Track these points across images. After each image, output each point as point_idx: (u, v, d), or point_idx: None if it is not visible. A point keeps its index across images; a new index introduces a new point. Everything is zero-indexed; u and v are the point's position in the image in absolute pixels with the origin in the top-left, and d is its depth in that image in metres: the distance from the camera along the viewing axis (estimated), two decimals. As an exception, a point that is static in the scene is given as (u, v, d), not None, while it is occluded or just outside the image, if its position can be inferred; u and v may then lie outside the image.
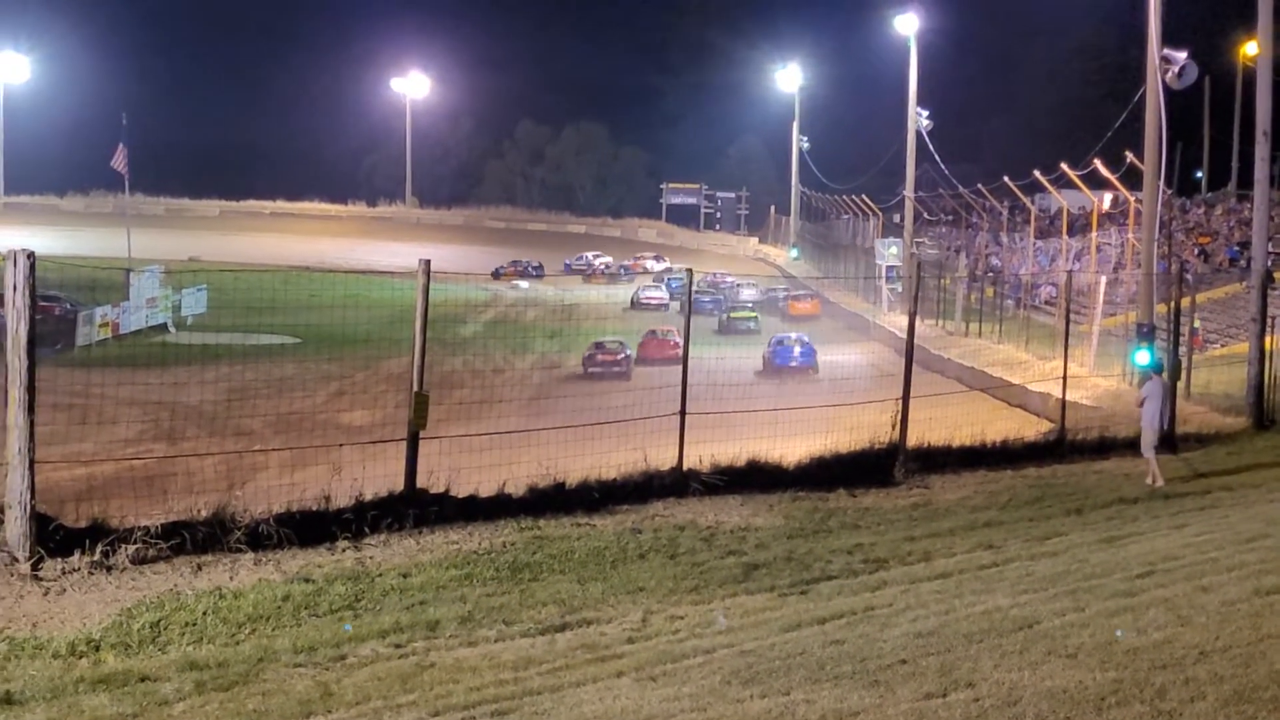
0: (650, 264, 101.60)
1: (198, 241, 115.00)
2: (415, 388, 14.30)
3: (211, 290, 68.94)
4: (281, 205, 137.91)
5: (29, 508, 11.24)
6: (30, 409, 11.26)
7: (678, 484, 16.43)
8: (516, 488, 15.09)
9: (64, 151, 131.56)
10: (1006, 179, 63.19)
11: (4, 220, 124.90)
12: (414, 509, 13.80)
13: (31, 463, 11.24)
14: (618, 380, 41.37)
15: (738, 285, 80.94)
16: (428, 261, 14.73)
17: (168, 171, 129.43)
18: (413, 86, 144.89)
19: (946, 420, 22.12)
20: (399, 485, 14.20)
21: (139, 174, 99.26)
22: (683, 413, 17.48)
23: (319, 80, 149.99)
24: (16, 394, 11.23)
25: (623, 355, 47.25)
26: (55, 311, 54.60)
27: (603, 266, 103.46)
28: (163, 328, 68.32)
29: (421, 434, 14.32)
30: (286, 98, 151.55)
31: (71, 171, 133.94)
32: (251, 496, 13.83)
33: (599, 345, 48.02)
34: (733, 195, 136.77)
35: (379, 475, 14.63)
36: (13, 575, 11.05)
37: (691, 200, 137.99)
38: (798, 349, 48.46)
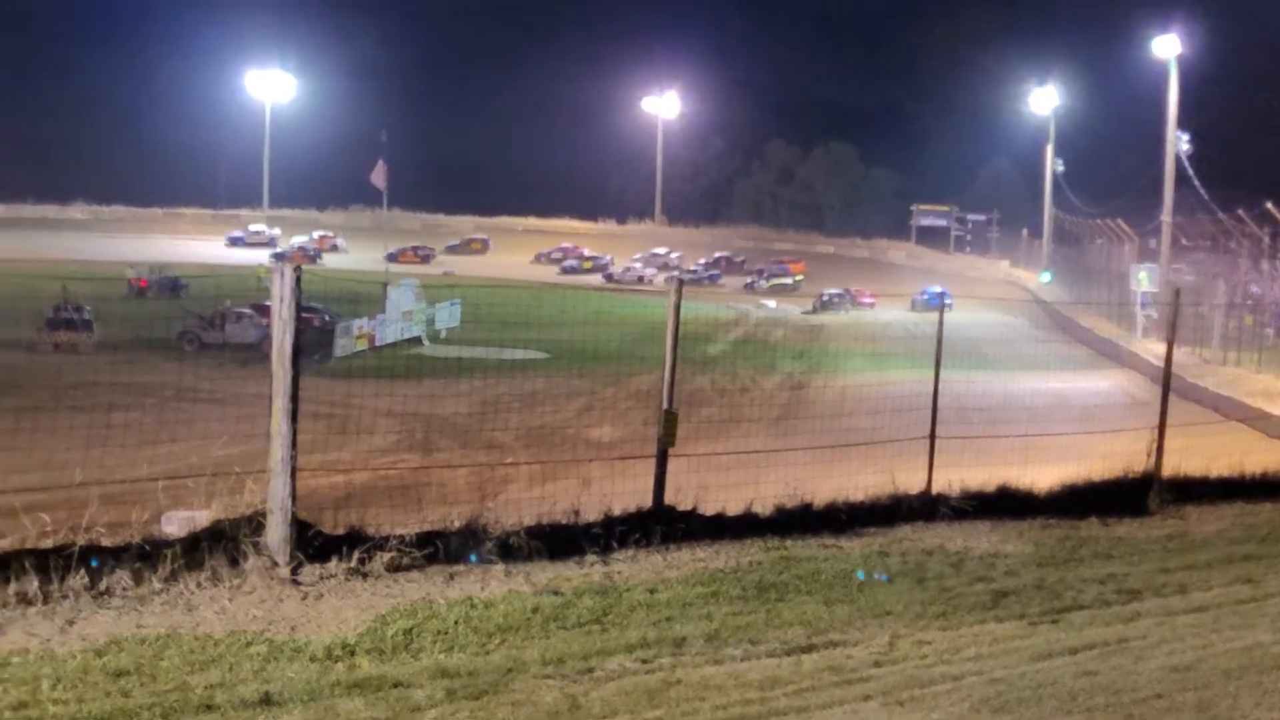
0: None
1: (451, 256, 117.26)
2: (665, 405, 14.37)
3: (465, 304, 70.19)
4: (533, 222, 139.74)
5: (289, 514, 11.54)
6: (293, 418, 11.56)
7: (926, 508, 16.24)
8: (763, 507, 15.05)
9: (325, 167, 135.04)
10: (1270, 205, 61.31)
11: (266, 229, 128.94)
12: (661, 525, 13.85)
13: (292, 470, 11.54)
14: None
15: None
16: (679, 279, 14.82)
17: (424, 187, 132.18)
18: (664, 106, 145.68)
19: (1202, 450, 21.50)
20: (646, 501, 14.25)
21: (396, 189, 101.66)
22: (932, 436, 17.30)
23: (573, 99, 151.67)
24: (280, 403, 11.54)
25: None
26: (315, 323, 56.16)
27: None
28: (417, 340, 69.78)
29: (669, 451, 14.38)
30: (541, 116, 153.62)
31: (332, 186, 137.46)
32: (502, 508, 14.01)
33: None
34: (983, 218, 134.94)
35: (626, 491, 14.71)
36: (273, 579, 11.35)
37: (942, 222, 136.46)
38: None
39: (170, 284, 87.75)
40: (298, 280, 11.63)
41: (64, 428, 28.11)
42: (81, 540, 11.01)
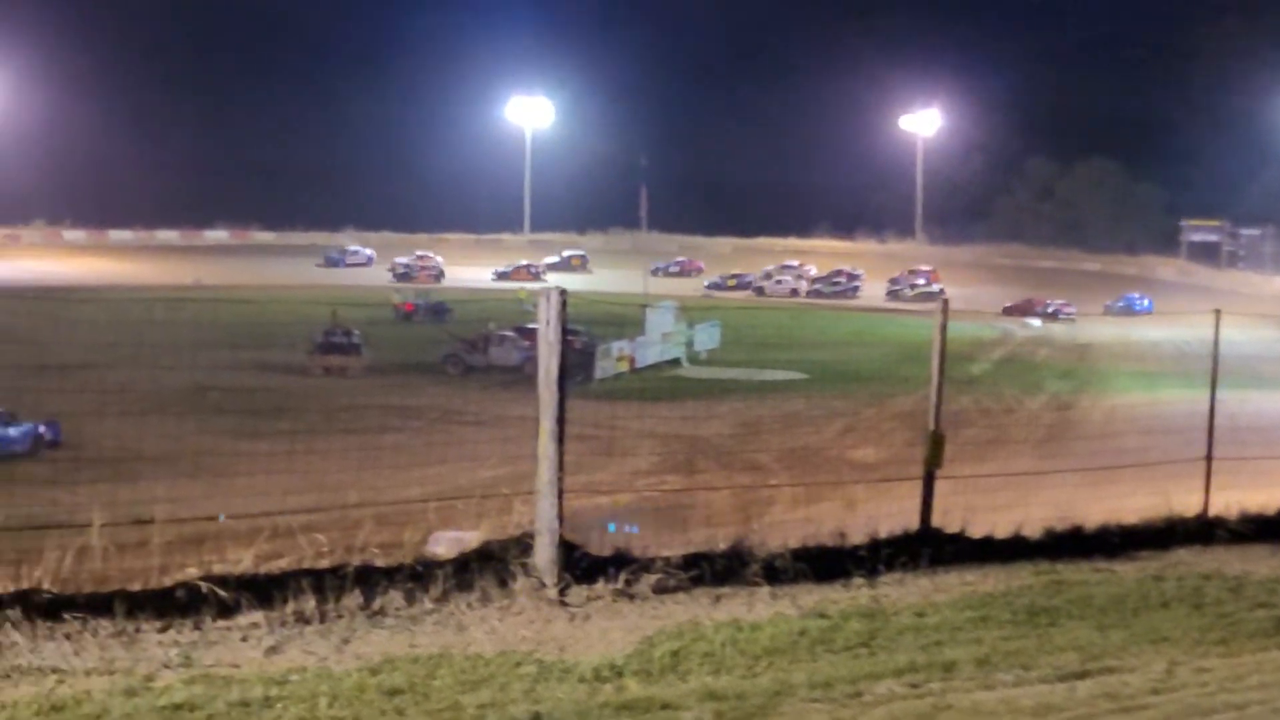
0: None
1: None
2: (931, 426, 14.19)
3: (724, 326, 70.31)
4: (792, 242, 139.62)
5: (557, 535, 11.62)
6: (559, 440, 11.65)
7: (1202, 531, 15.73)
8: (1032, 530, 14.74)
9: (585, 191, 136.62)
10: None
11: (529, 256, 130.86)
12: (928, 548, 13.65)
13: (559, 492, 11.62)
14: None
15: None
16: (945, 299, 14.64)
17: (683, 209, 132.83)
18: (923, 123, 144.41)
19: None
20: (912, 523, 14.07)
21: (655, 212, 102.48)
22: (1209, 457, 16.79)
23: (832, 118, 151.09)
24: (547, 425, 11.64)
25: None
26: (576, 345, 56.77)
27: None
28: (676, 362, 70.07)
29: (935, 473, 14.19)
30: (800, 135, 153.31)
31: (592, 210, 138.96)
32: (766, 530, 13.95)
33: None
34: (1257, 232, 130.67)
35: (890, 513, 14.55)
36: (541, 600, 11.44)
37: (1213, 237, 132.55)
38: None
39: (435, 308, 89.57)
40: (563, 303, 11.73)
41: (335, 449, 28.92)
42: (356, 561, 11.23)
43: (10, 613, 9.79)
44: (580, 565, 11.86)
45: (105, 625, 9.99)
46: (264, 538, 11.43)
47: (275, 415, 45.39)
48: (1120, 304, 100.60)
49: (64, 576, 10.35)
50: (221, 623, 10.36)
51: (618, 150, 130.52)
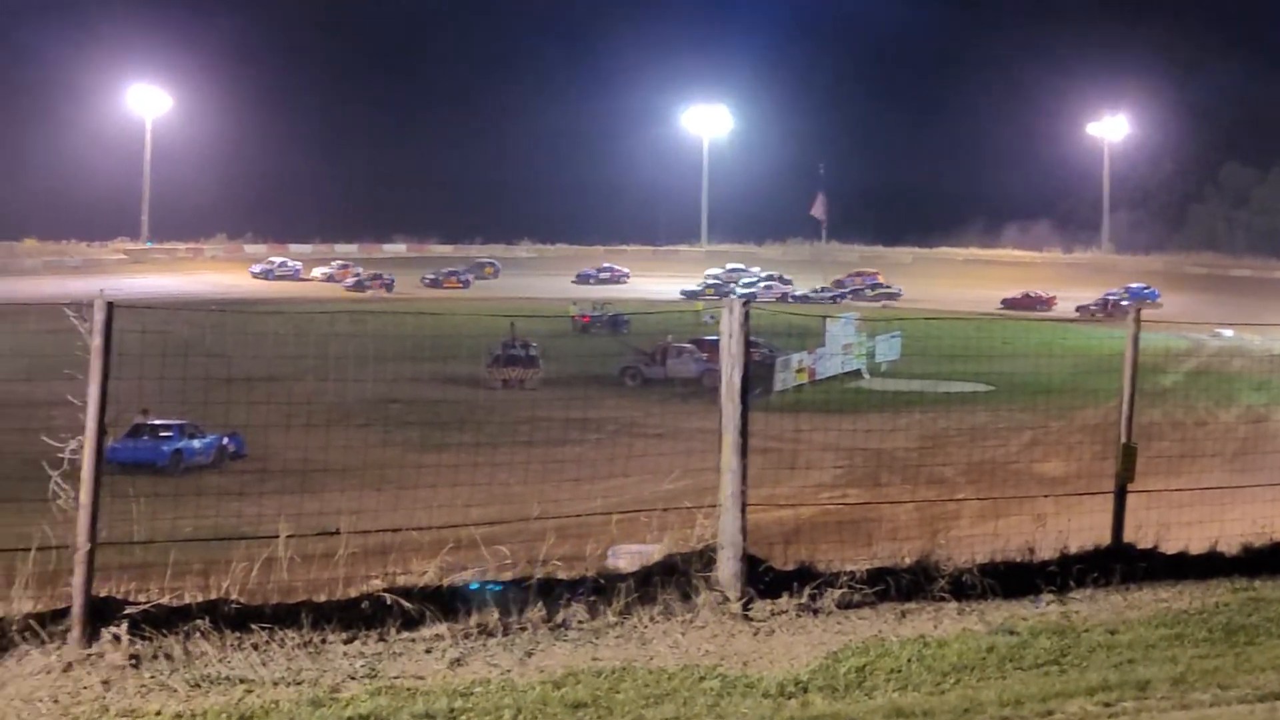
0: None
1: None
2: (1123, 439, 13.85)
3: (905, 337, 69.72)
4: (974, 252, 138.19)
5: (740, 549, 11.52)
6: (742, 453, 11.55)
7: None
8: (1228, 546, 14.32)
9: (763, 200, 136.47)
10: None
11: (707, 266, 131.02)
12: (1120, 564, 13.31)
13: (743, 505, 11.52)
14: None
15: None
16: (1138, 309, 14.30)
17: (863, 219, 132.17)
18: (1111, 129, 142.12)
19: None
20: (1102, 538, 13.74)
21: (835, 221, 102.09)
22: None
23: (1010, 124, 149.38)
24: (729, 438, 11.55)
25: None
26: (755, 357, 56.62)
27: None
28: (857, 374, 69.66)
29: (1128, 487, 13.85)
30: (979, 143, 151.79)
31: (770, 221, 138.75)
32: (951, 544, 13.72)
33: None
34: None
35: (1080, 528, 14.22)
36: (724, 614, 11.34)
37: None
38: None
39: (613, 320, 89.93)
40: (746, 315, 11.64)
41: (514, 462, 29.03)
42: (538, 573, 11.22)
43: (200, 622, 9.92)
44: (764, 579, 11.75)
45: (292, 636, 10.08)
46: (447, 550, 11.46)
47: (455, 427, 45.82)
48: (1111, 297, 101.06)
49: (251, 587, 10.48)
50: (406, 634, 10.41)
51: (796, 159, 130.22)
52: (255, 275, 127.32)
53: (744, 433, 11.54)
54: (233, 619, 10.06)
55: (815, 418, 42.32)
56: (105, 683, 9.34)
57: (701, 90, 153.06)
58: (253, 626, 10.03)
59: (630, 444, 41.34)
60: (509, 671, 10.00)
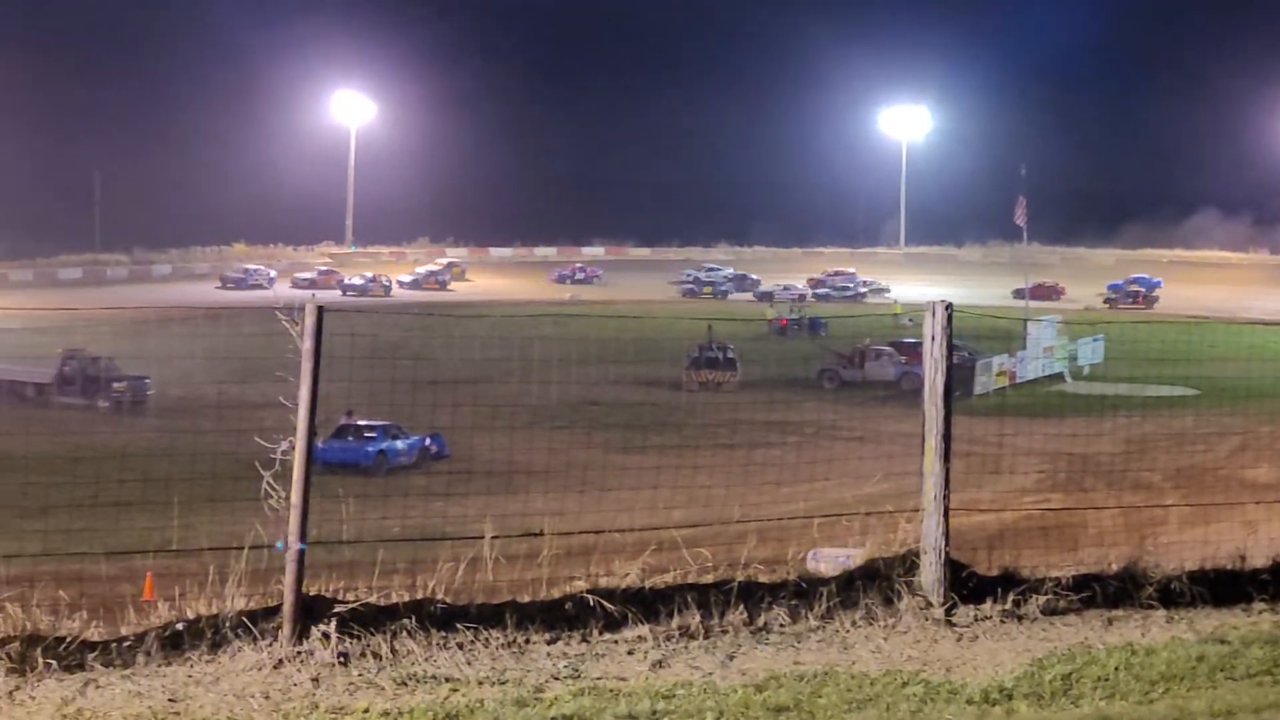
0: None
1: (1084, 290, 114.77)
2: (1339, 444, 13.49)
3: (1107, 340, 68.58)
4: (1179, 254, 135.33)
5: (943, 554, 11.41)
6: (945, 457, 11.45)
7: None
8: None
9: (963, 203, 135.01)
10: None
11: (906, 270, 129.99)
12: (1337, 573, 12.95)
13: (946, 510, 11.41)
14: None
15: None
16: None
17: (1065, 221, 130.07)
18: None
19: None
20: (1314, 546, 13.39)
21: (1036, 224, 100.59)
22: None
23: (1220, 121, 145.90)
24: (932, 442, 11.45)
25: None
26: (954, 360, 56.21)
27: None
28: (1059, 377, 68.67)
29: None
30: (1182, 142, 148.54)
31: (970, 222, 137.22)
32: (1158, 551, 13.44)
33: None
34: None
35: (1290, 535, 13.89)
36: (927, 620, 11.24)
37: None
38: None
39: (810, 323, 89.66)
40: (949, 318, 11.53)
41: (713, 464, 29.11)
42: (740, 576, 11.21)
43: (406, 621, 10.08)
44: (967, 585, 11.62)
45: (496, 636, 10.19)
46: (648, 552, 11.50)
47: (654, 429, 46.04)
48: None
49: (456, 587, 10.61)
50: (608, 636, 10.46)
51: (997, 159, 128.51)
52: (221, 287, 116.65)
53: (947, 436, 11.44)
54: (438, 618, 10.19)
55: (1016, 421, 41.86)
56: (315, 680, 9.53)
57: (900, 91, 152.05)
58: (458, 626, 10.16)
59: (829, 447, 41.18)
60: (711, 674, 10.00)
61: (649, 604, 10.73)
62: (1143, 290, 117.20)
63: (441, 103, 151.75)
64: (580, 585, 10.75)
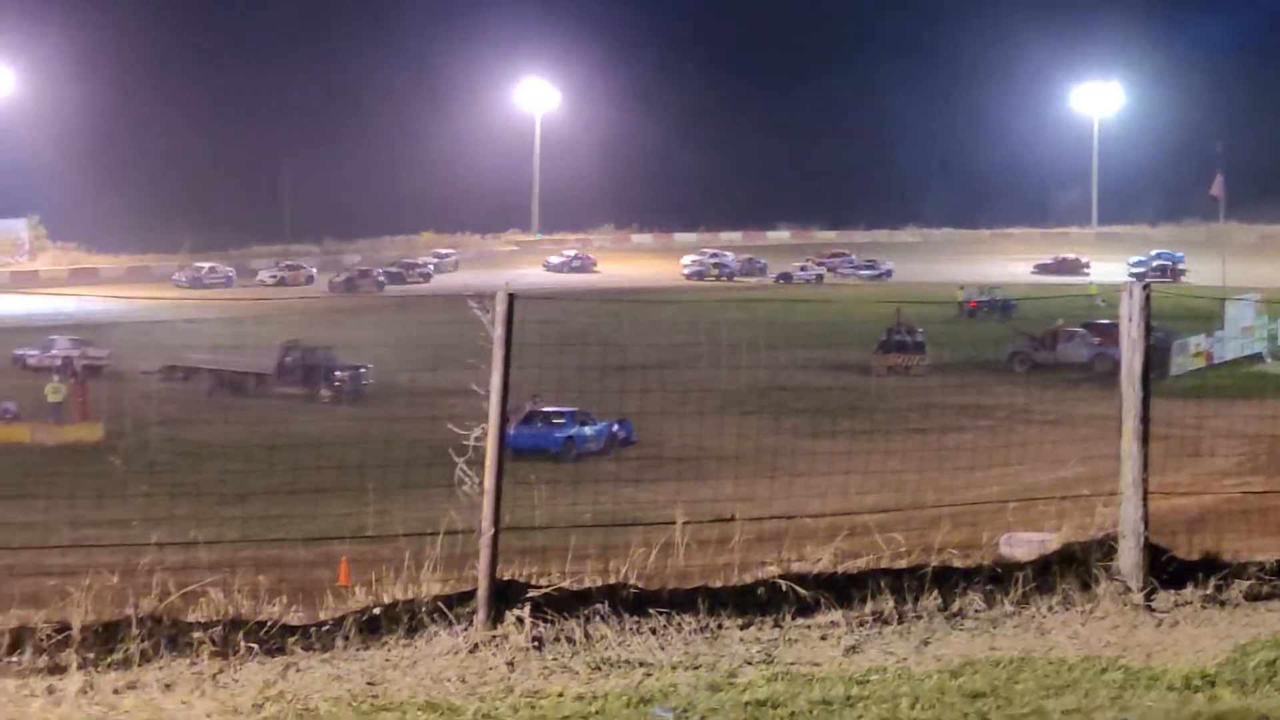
0: None
1: None
2: None
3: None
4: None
5: (1142, 538, 11.19)
6: (1143, 440, 11.23)
7: None
8: None
9: (1156, 181, 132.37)
10: None
11: (1097, 249, 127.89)
12: None
13: (1144, 493, 11.19)
14: None
15: None
16: None
17: (1264, 198, 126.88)
18: None
19: None
20: None
21: (1233, 201, 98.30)
22: None
23: None
24: (1130, 425, 11.24)
25: None
26: (1149, 341, 55.25)
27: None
28: (1258, 357, 67.18)
29: None
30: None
31: (1164, 200, 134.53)
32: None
33: None
34: None
35: None
36: (1125, 605, 11.04)
37: None
38: None
39: (1000, 305, 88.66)
40: (1147, 299, 11.32)
41: (903, 449, 28.90)
42: (933, 561, 11.11)
43: (600, 606, 10.13)
44: (1166, 569, 11.39)
45: (689, 621, 10.21)
46: (841, 537, 11.44)
47: (843, 414, 45.83)
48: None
49: (648, 572, 10.64)
50: (801, 621, 10.42)
51: (1190, 136, 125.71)
52: (181, 284, 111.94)
53: (1145, 419, 11.22)
54: (631, 603, 10.23)
55: (1215, 403, 40.97)
56: (510, 664, 9.62)
57: (1092, 67, 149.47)
58: (650, 611, 10.20)
59: (1021, 431, 40.66)
60: (905, 660, 9.92)
61: (842, 589, 10.67)
62: (1169, 264, 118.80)
63: (626, 89, 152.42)
64: (772, 570, 10.73)
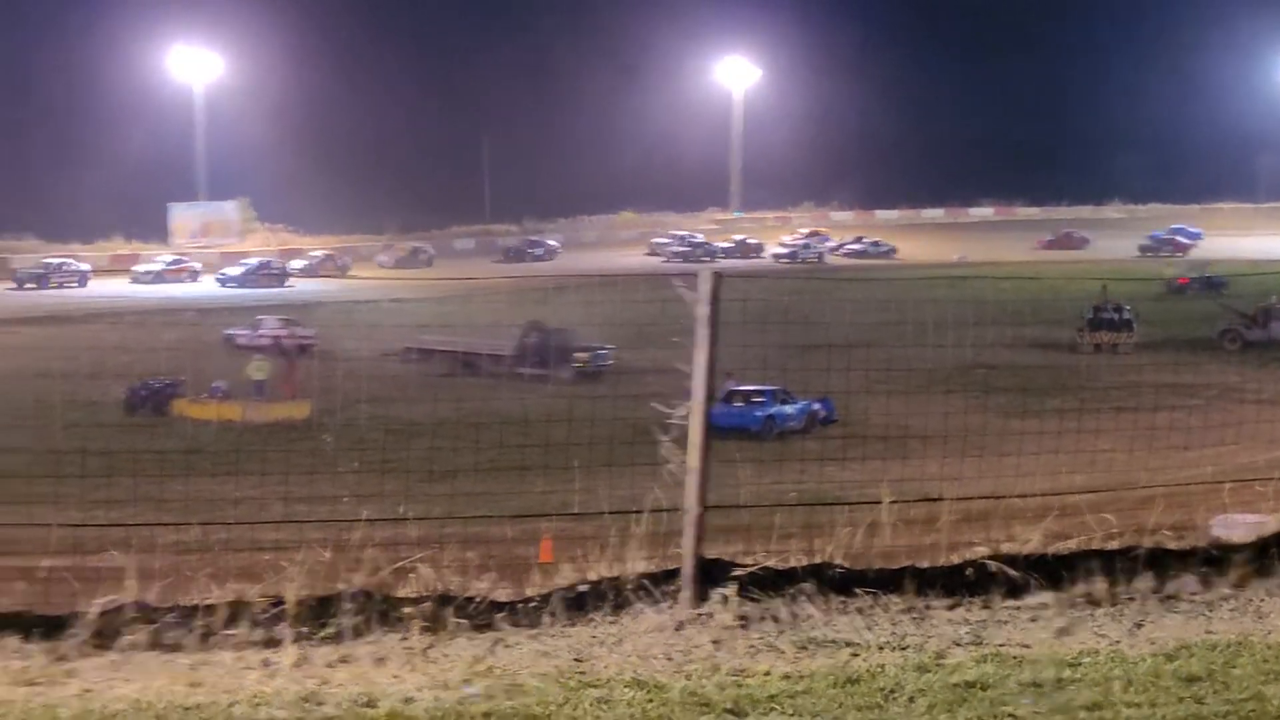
0: None
1: None
2: None
3: None
4: None
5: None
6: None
7: None
8: None
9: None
10: None
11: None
12: None
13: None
14: None
15: None
16: None
17: None
18: None
19: None
20: None
21: None
22: None
23: None
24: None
25: None
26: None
27: None
28: None
29: None
30: None
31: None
32: None
33: None
34: None
35: None
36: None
37: None
38: None
39: (1209, 281, 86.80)
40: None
41: (1110, 428, 28.36)
42: (1146, 543, 10.88)
43: (805, 586, 10.09)
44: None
45: (895, 601, 10.12)
46: (1050, 517, 11.25)
47: (1049, 393, 45.13)
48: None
49: (853, 552, 10.57)
50: (1010, 602, 10.27)
51: None
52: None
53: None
54: (837, 583, 10.17)
55: None
56: (715, 642, 9.61)
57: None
58: (856, 591, 10.13)
59: (1234, 410, 39.71)
60: (1118, 642, 9.73)
61: (1052, 570, 10.49)
62: (1185, 241, 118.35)
63: (827, 64, 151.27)
64: (980, 551, 10.59)
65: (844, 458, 30.17)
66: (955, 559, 10.55)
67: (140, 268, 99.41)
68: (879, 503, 10.98)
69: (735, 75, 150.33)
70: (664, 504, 10.47)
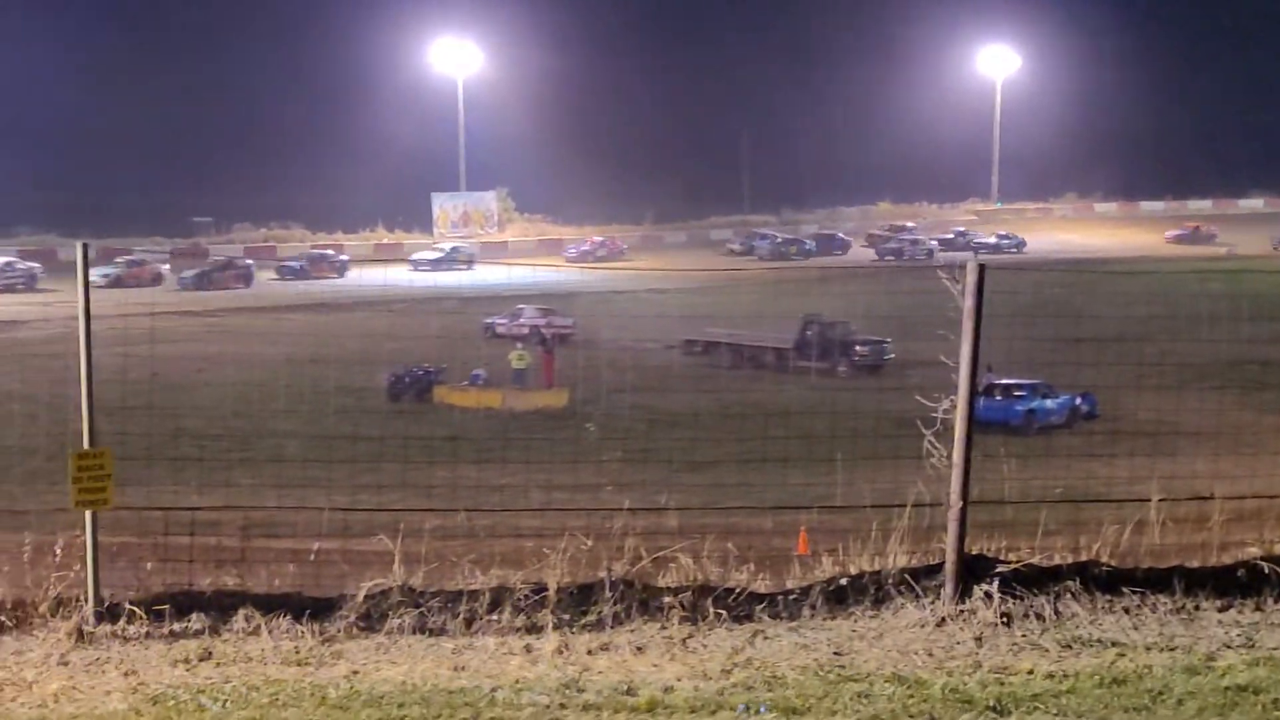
0: None
1: None
2: None
3: None
4: None
5: None
6: None
7: None
8: None
9: None
10: None
11: None
12: None
13: None
14: None
15: None
16: None
17: None
18: None
19: None
20: None
21: None
22: None
23: None
24: None
25: None
26: None
27: None
28: None
29: None
30: None
31: None
32: None
33: None
34: None
35: None
36: None
37: None
38: None
39: None
40: None
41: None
42: None
43: (1070, 583, 9.95)
44: None
45: (1163, 601, 9.93)
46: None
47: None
48: None
49: (1120, 550, 10.38)
50: (1285, 604, 10.02)
51: None
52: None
53: None
54: (1103, 581, 10.02)
55: None
56: (977, 639, 9.54)
57: None
58: (1123, 590, 9.97)
59: None
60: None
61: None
62: None
63: (1091, 51, 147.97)
64: (1253, 551, 10.34)
65: (1108, 454, 29.48)
66: (1227, 559, 10.31)
67: (419, 255, 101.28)
68: (1147, 500, 10.75)
69: (995, 63, 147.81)
70: (925, 498, 10.40)
